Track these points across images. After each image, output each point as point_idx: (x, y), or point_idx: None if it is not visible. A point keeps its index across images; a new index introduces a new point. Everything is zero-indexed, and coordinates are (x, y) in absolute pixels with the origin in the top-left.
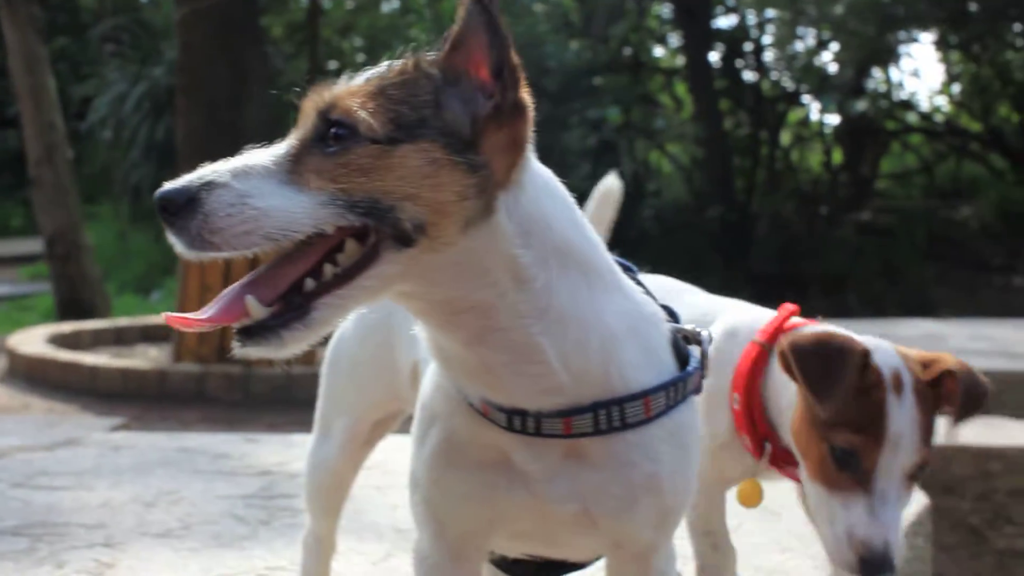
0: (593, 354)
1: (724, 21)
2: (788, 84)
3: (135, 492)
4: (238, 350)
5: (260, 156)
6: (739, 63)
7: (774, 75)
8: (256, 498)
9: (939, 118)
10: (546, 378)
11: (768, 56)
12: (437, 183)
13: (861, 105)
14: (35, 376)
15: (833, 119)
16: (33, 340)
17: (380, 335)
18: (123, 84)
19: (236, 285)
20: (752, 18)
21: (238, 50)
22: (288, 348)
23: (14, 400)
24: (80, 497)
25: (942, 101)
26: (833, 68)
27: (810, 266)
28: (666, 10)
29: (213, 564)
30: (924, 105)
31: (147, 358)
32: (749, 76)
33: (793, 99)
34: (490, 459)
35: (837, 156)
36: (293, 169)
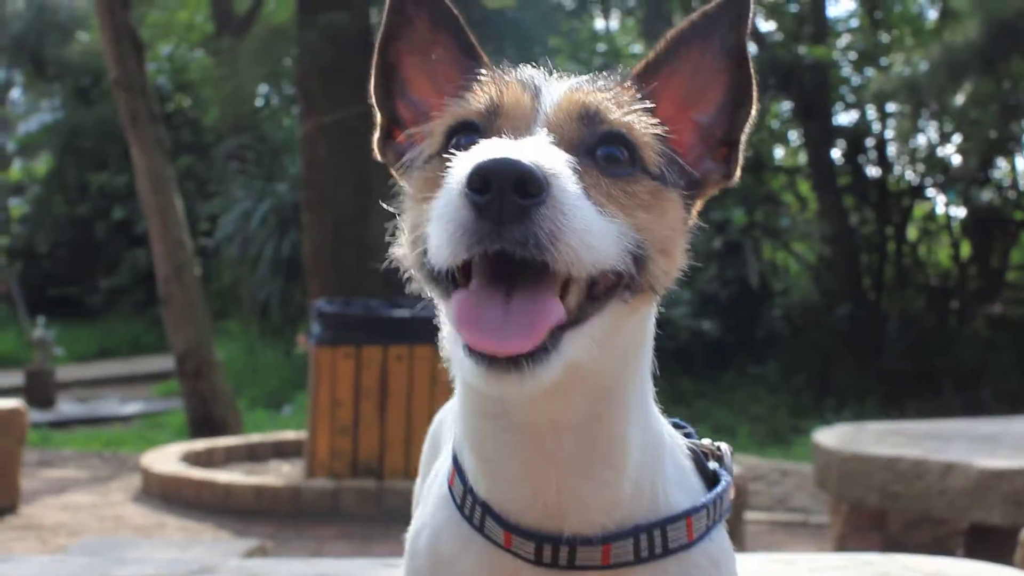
0: (648, 464)
1: (844, 117)
2: (912, 178)
3: None
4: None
5: (540, 149)
6: (861, 159)
7: (898, 169)
8: None
9: None
10: (612, 487)
11: (891, 150)
12: (681, 243)
13: (986, 195)
14: (169, 495)
15: (960, 212)
16: (166, 458)
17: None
18: (248, 201)
19: (545, 305)
20: (872, 113)
21: (361, 164)
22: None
23: (149, 519)
24: None
25: None
26: (957, 160)
27: (942, 362)
28: (785, 108)
29: None
30: None
31: (280, 474)
32: (872, 171)
33: (918, 193)
34: None
35: (965, 249)
36: (580, 181)
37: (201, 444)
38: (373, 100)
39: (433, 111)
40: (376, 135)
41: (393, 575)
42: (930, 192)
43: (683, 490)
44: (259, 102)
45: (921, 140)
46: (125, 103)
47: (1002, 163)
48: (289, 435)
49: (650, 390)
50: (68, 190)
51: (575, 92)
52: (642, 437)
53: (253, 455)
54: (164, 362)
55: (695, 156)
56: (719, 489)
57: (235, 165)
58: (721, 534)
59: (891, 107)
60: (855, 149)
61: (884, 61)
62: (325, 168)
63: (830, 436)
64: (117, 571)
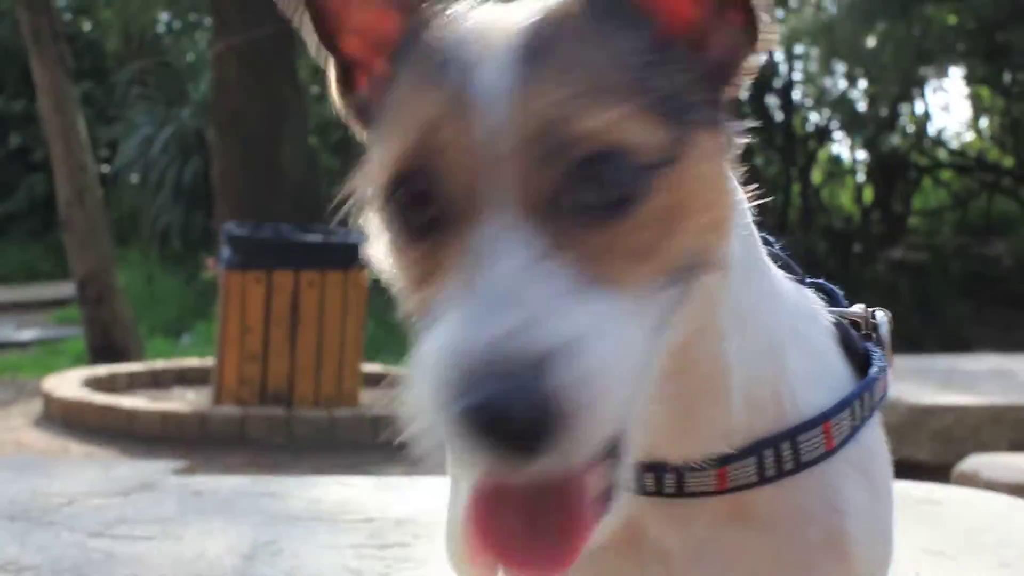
0: (762, 372)
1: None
2: (818, 120)
3: (228, 543)
4: None
5: (513, 249)
6: (768, 100)
7: (804, 112)
8: (367, 547)
9: (970, 153)
10: (720, 421)
11: (797, 93)
12: (726, 188)
13: (894, 140)
14: (72, 420)
15: (864, 156)
16: (68, 383)
17: None
18: (150, 127)
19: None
20: (780, 55)
21: (273, 87)
22: None
23: (52, 444)
24: (170, 549)
25: (972, 136)
26: (863, 106)
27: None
28: None
29: None
30: (954, 141)
31: (185, 401)
32: (779, 114)
33: (824, 136)
34: (614, 538)
35: (868, 194)
36: (576, 263)
37: (103, 369)
38: (316, 46)
39: (384, 24)
40: (333, 86)
41: (349, 495)
42: (836, 135)
43: (821, 385)
44: (161, 28)
45: (828, 83)
46: (28, 20)
47: (907, 108)
48: (193, 362)
49: (749, 282)
50: None
51: (528, 105)
52: (748, 353)
53: (156, 381)
54: (60, 289)
55: (701, 20)
56: (868, 379)
57: (136, 90)
58: (872, 433)
59: (800, 48)
60: (761, 90)
61: (795, 2)
62: (236, 89)
63: None
64: (47, 487)
